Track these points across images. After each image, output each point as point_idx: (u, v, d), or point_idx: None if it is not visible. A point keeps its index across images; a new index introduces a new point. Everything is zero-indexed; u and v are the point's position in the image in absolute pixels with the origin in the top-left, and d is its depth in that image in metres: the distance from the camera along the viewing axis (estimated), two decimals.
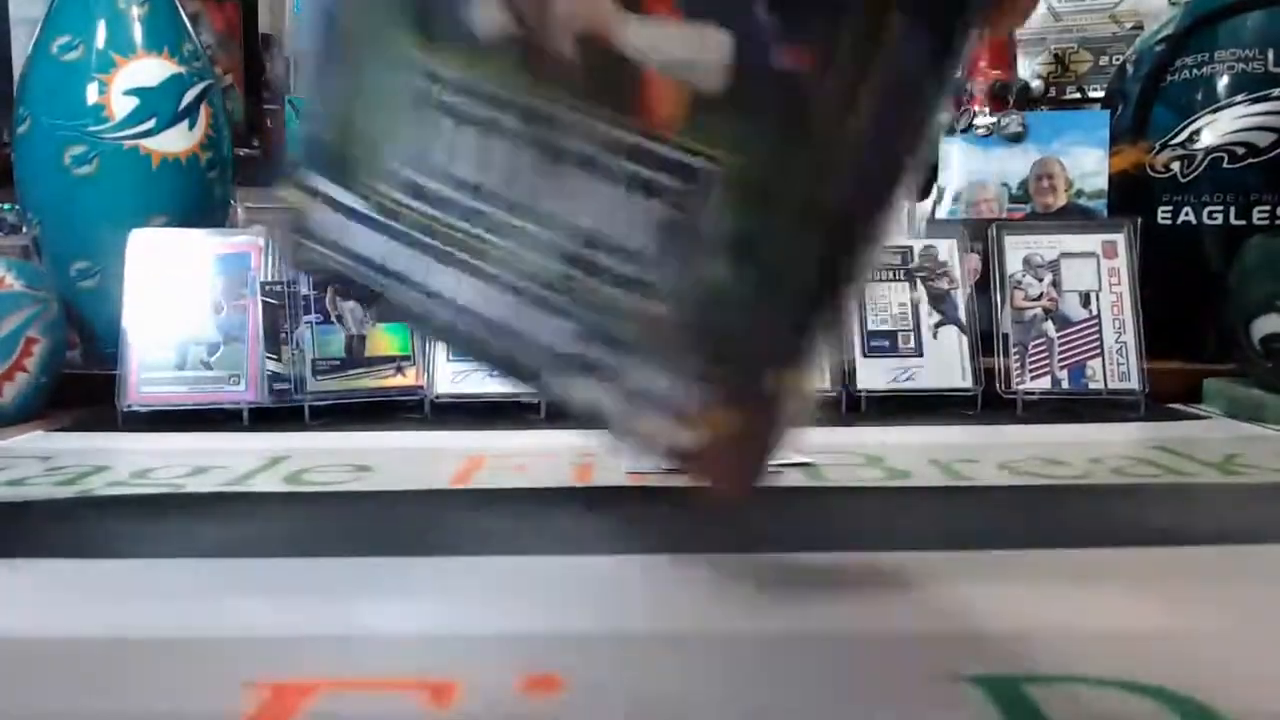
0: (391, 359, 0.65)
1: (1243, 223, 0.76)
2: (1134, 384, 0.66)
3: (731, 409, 0.26)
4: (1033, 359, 0.67)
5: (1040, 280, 0.68)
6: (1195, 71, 0.78)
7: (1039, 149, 0.81)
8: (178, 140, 0.72)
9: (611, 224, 0.26)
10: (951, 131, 0.84)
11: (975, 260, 0.71)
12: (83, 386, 0.67)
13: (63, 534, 0.37)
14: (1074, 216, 0.79)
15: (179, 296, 0.64)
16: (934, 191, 0.85)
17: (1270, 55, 0.75)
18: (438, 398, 0.64)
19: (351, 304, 0.65)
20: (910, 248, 0.70)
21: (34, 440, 0.57)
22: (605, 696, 0.22)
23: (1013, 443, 0.56)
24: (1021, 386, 0.66)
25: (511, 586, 0.31)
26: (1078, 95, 0.99)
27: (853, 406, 0.66)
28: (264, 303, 0.64)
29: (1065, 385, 0.67)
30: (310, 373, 0.63)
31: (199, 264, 0.65)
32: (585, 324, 0.27)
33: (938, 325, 0.68)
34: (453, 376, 0.64)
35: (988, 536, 0.36)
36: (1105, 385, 0.66)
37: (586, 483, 0.44)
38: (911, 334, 0.68)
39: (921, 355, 0.67)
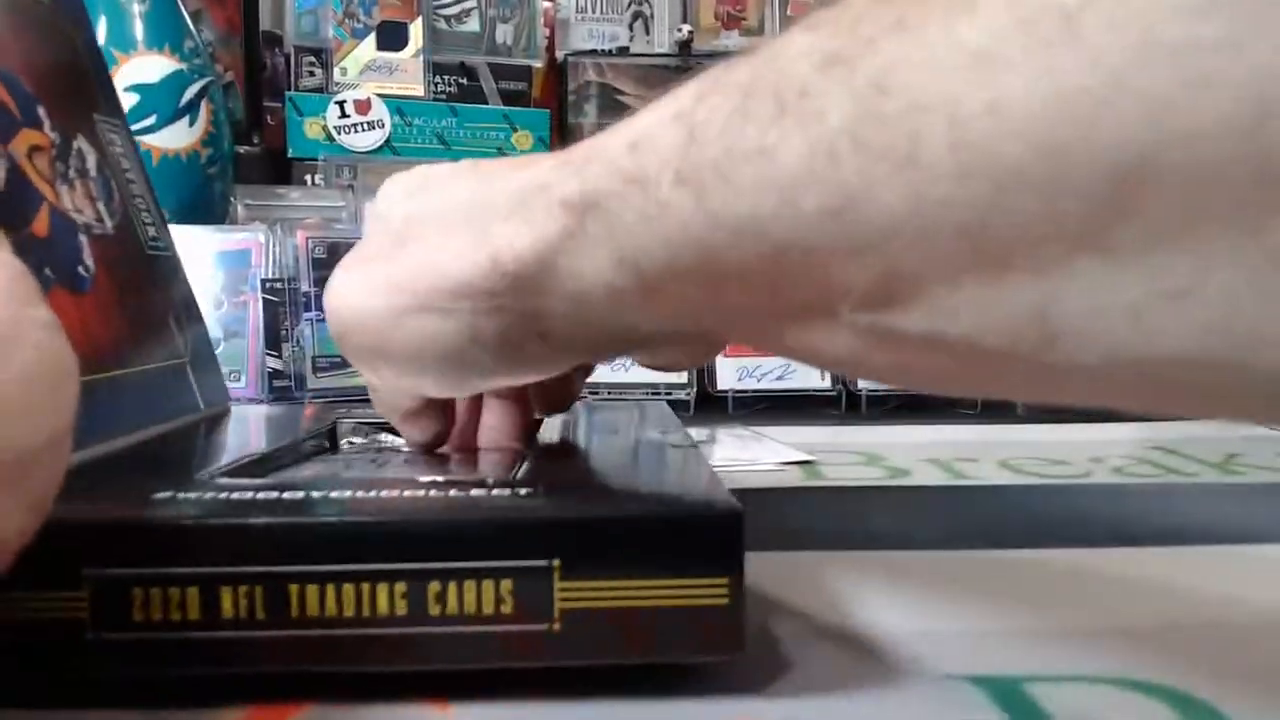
0: None
1: None
2: None
3: None
4: None
5: None
6: None
7: None
8: (178, 137, 0.72)
9: None
10: None
11: None
12: None
13: None
14: None
15: None
16: None
17: None
18: None
19: None
20: None
21: None
22: None
23: (1013, 442, 0.56)
24: None
25: None
26: None
27: (852, 405, 0.66)
28: (264, 299, 0.64)
29: None
30: (311, 370, 0.63)
31: (199, 260, 0.65)
32: None
33: None
34: None
35: (988, 536, 0.36)
36: None
37: None
38: None
39: None
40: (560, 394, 0.30)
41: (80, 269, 0.33)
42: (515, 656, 0.21)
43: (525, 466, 0.27)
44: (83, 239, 0.34)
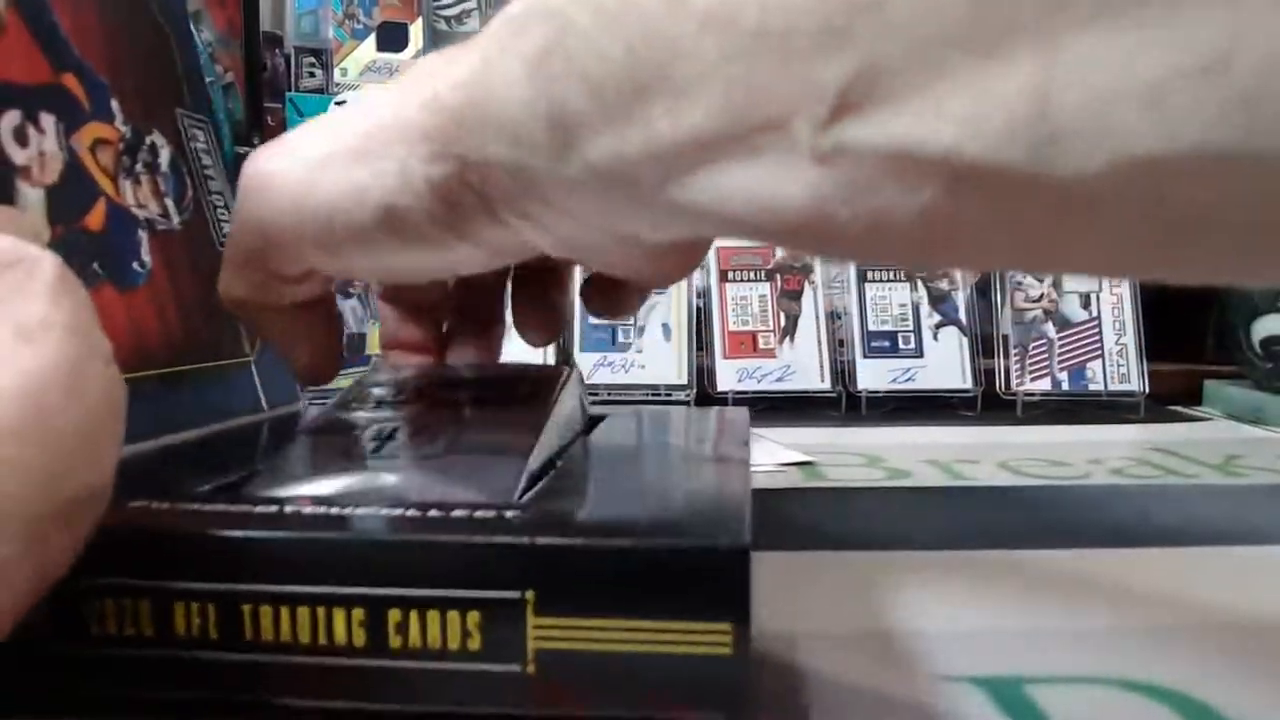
0: None
1: None
2: (1134, 385, 0.66)
3: None
4: (1033, 360, 0.67)
5: (1040, 281, 0.68)
6: None
7: None
8: None
9: None
10: None
11: None
12: None
13: None
14: None
15: None
16: None
17: None
18: None
19: (352, 302, 0.65)
20: None
21: None
22: None
23: (1013, 443, 0.56)
24: (1021, 388, 0.66)
25: None
26: None
27: (853, 406, 0.66)
28: None
29: (1065, 386, 0.67)
30: None
31: None
32: None
33: (938, 326, 0.68)
34: None
35: (988, 536, 0.36)
36: (1105, 386, 0.66)
37: None
38: (912, 334, 0.68)
39: (922, 356, 0.67)
40: (614, 295, 0.29)
41: (135, 264, 0.33)
42: (483, 700, 0.19)
43: (543, 483, 0.24)
44: (142, 234, 0.34)
